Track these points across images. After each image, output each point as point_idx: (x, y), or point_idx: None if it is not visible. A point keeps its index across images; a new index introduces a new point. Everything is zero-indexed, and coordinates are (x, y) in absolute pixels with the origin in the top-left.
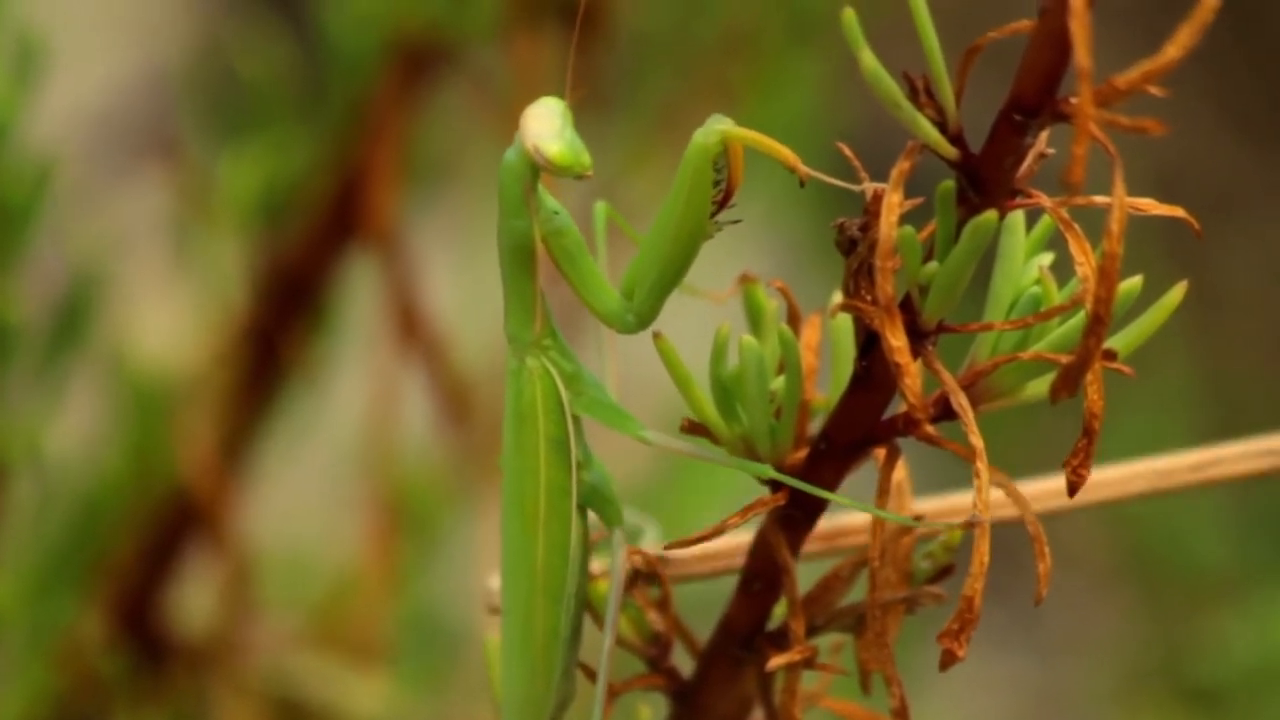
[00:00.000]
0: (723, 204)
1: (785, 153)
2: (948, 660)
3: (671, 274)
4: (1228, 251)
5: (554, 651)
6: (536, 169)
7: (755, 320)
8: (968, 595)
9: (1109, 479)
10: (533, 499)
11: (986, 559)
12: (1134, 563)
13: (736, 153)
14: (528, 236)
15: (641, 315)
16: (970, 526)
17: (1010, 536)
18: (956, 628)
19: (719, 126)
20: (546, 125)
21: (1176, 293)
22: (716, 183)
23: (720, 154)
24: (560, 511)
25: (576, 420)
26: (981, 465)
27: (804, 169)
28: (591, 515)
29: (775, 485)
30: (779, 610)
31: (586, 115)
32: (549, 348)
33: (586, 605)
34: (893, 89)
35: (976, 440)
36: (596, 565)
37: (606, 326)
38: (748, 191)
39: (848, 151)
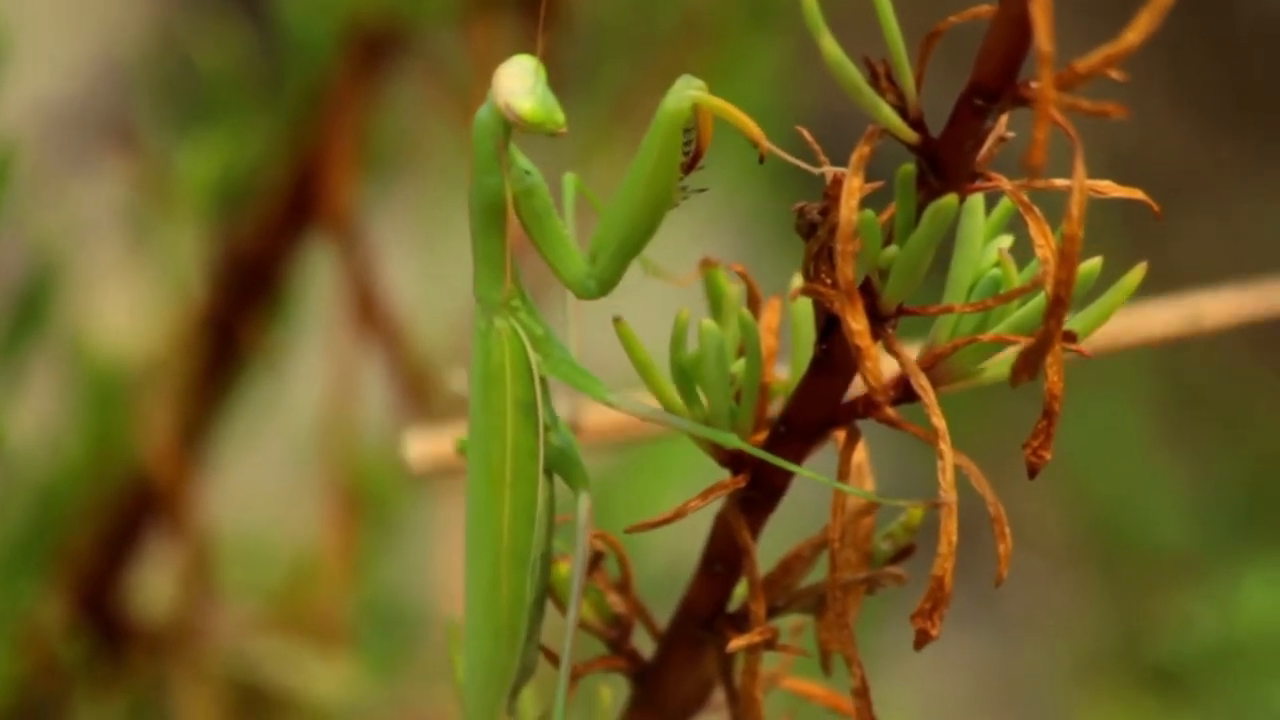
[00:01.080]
0: (690, 168)
1: (750, 126)
2: (921, 640)
3: (635, 240)
4: (1184, 234)
5: (519, 617)
6: (509, 127)
7: (716, 304)
8: (938, 575)
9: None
10: (499, 462)
11: (955, 538)
12: (1093, 543)
13: (706, 118)
14: (499, 195)
15: (604, 281)
16: (936, 506)
17: (969, 516)
18: (929, 607)
19: (690, 92)
20: (519, 82)
21: (1136, 274)
22: (685, 147)
23: (690, 119)
24: (527, 474)
25: (544, 383)
26: (944, 446)
27: (766, 144)
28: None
29: (736, 467)
30: (740, 592)
31: None
32: (518, 309)
33: (549, 590)
34: (853, 74)
35: (939, 421)
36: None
37: (569, 290)
38: (707, 175)
39: (808, 136)
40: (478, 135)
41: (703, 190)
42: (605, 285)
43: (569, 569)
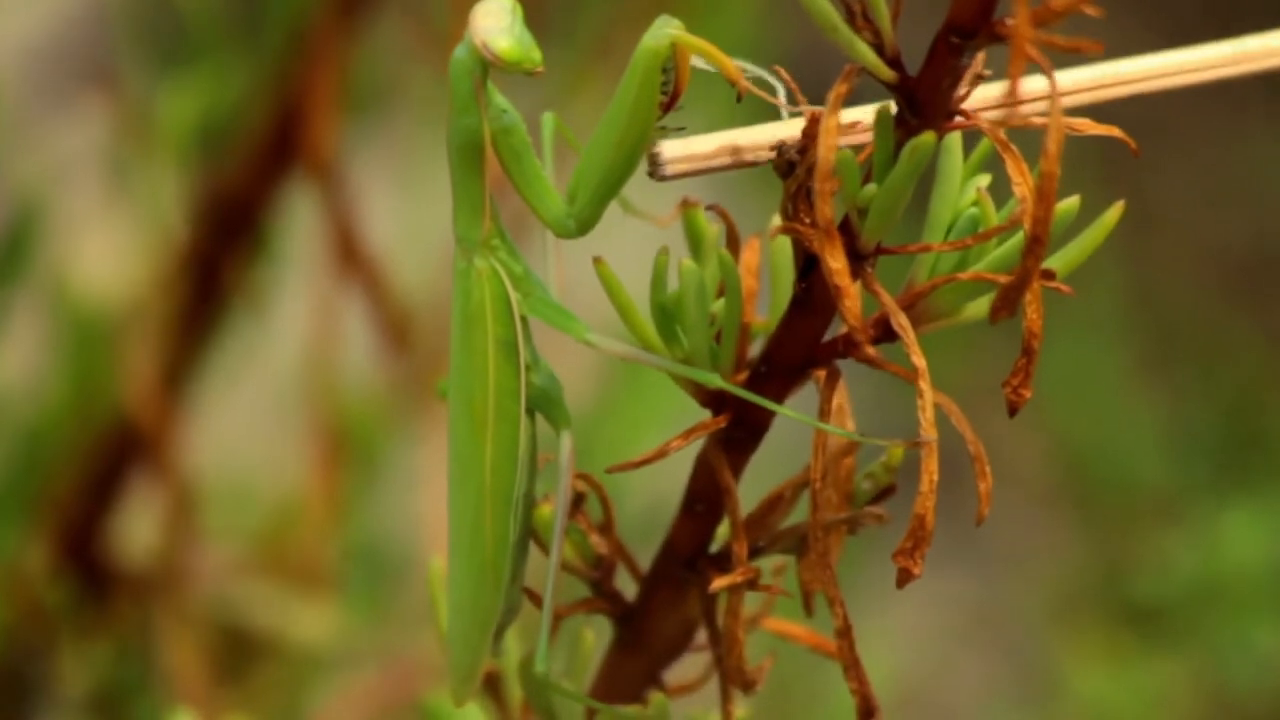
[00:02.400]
0: (668, 107)
1: (728, 64)
2: (904, 578)
3: (614, 178)
4: (1159, 173)
5: (503, 557)
6: (486, 66)
7: (696, 244)
8: (919, 513)
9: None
10: (481, 401)
11: (936, 477)
12: (1072, 481)
13: (684, 56)
14: (477, 134)
15: (583, 220)
16: (917, 445)
17: (949, 455)
18: (910, 546)
19: (668, 30)
20: (495, 20)
21: (1114, 212)
22: (664, 86)
23: (668, 57)
24: (509, 414)
25: (525, 322)
26: (924, 384)
27: (744, 83)
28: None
29: (717, 407)
30: (722, 532)
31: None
32: (497, 248)
33: (532, 530)
34: (829, 13)
35: (919, 360)
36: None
37: (548, 230)
38: (686, 114)
39: (785, 75)
40: (454, 74)
41: (680, 129)
42: (585, 224)
43: (551, 511)
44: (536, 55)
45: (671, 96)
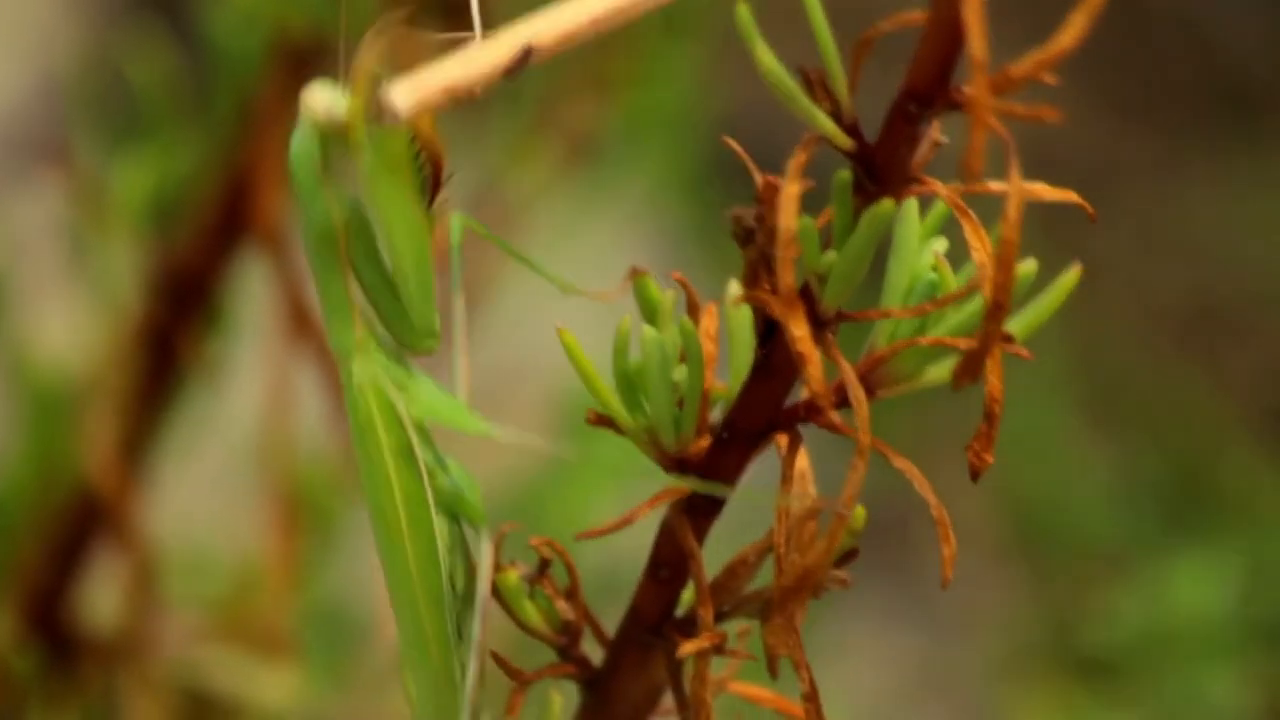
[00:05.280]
0: (436, 183)
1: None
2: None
3: (425, 274)
4: (1100, 228)
5: (449, 659)
6: (329, 150)
7: (651, 313)
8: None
9: None
10: (392, 510)
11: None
12: (1022, 536)
13: (425, 126)
14: (329, 226)
15: (428, 329)
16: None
17: (901, 515)
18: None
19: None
20: (328, 92)
21: (1071, 276)
22: (417, 164)
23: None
24: (421, 520)
25: (419, 425)
26: (859, 461)
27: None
28: None
29: (681, 473)
30: (687, 596)
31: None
32: (373, 351)
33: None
34: (789, 84)
35: (865, 437)
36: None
37: (404, 343)
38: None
39: (735, 145)
40: (295, 168)
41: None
42: (432, 334)
43: (516, 575)
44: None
45: (434, 168)
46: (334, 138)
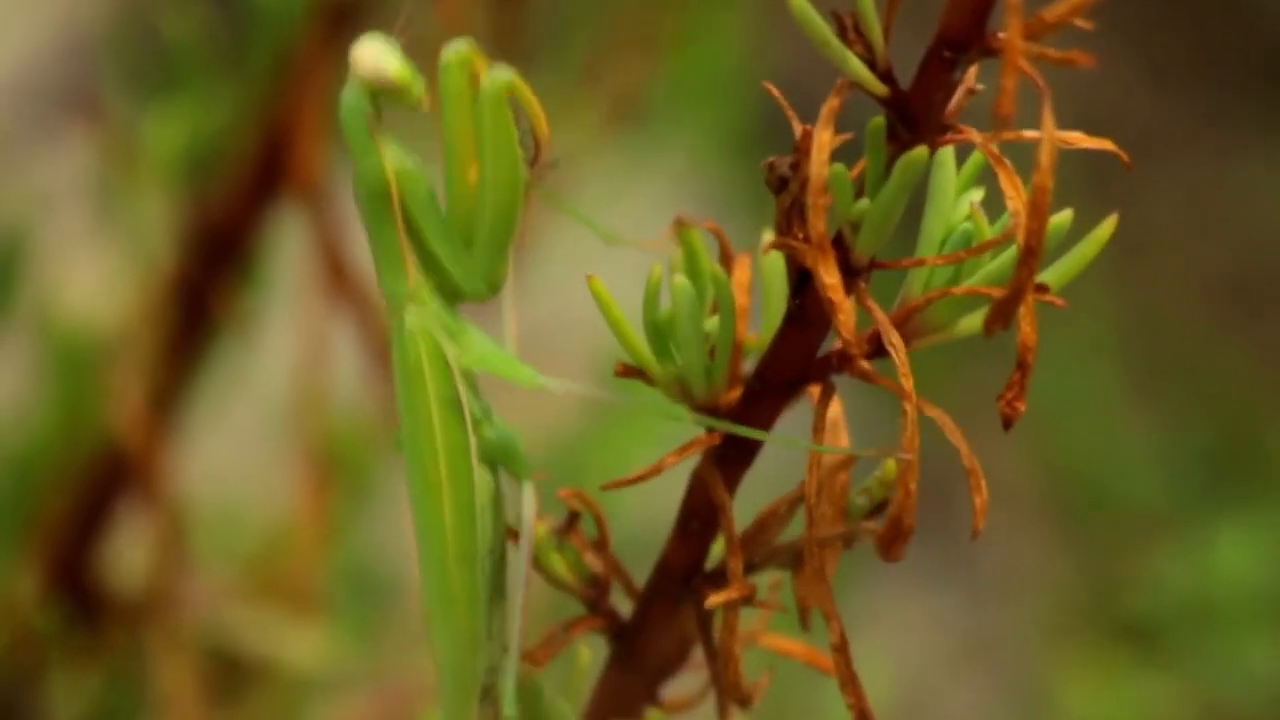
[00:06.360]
0: (535, 160)
1: (542, 122)
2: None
3: (504, 226)
4: (1150, 193)
5: (475, 616)
6: (378, 103)
7: (691, 262)
8: (895, 515)
9: None
10: (433, 462)
11: (914, 488)
12: (1066, 501)
13: (531, 103)
14: (382, 178)
15: (491, 277)
16: (903, 456)
17: (940, 476)
18: (891, 535)
19: (506, 74)
20: (378, 47)
21: (1107, 226)
22: (522, 140)
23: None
24: (462, 471)
25: (468, 375)
26: (909, 405)
27: (545, 147)
28: None
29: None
30: (717, 549)
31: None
32: (426, 301)
33: (503, 585)
34: (821, 27)
35: (908, 381)
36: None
37: (462, 289)
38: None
39: (776, 92)
40: (346, 119)
41: (554, 165)
42: (494, 283)
43: (544, 527)
44: (422, 86)
45: (536, 145)
46: (383, 91)
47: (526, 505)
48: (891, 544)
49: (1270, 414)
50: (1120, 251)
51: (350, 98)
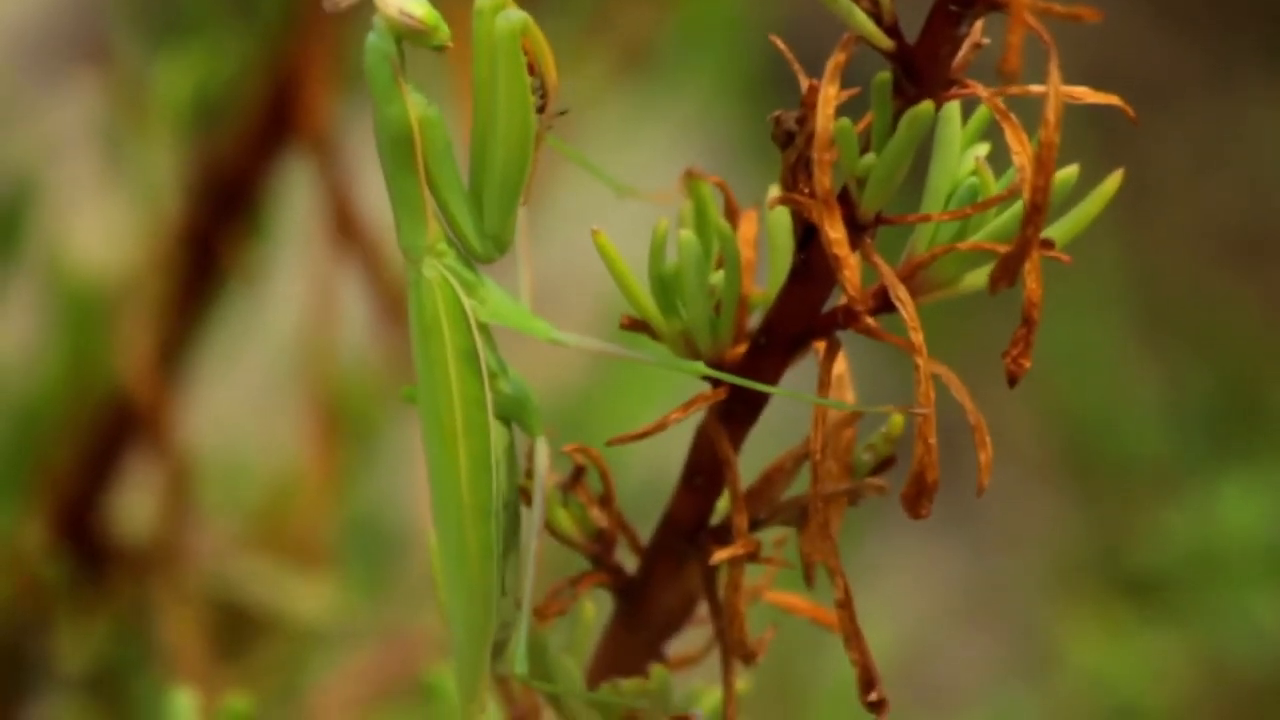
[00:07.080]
0: (544, 107)
1: (551, 71)
2: (914, 516)
3: (512, 182)
4: (1157, 144)
5: (489, 570)
6: (402, 49)
7: (700, 215)
8: (918, 470)
9: None
10: (448, 414)
11: (934, 441)
12: (1069, 454)
13: (543, 50)
14: (405, 124)
15: (498, 238)
16: (914, 413)
17: (946, 429)
18: (914, 492)
19: (518, 16)
20: None
21: (1113, 181)
22: (534, 88)
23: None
24: (478, 424)
25: (484, 328)
26: (921, 360)
27: (552, 99)
28: None
29: (716, 380)
30: (722, 505)
31: None
32: (445, 253)
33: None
34: None
35: (917, 335)
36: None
37: (469, 248)
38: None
39: (781, 45)
40: (371, 63)
41: (563, 113)
42: (501, 243)
43: (551, 484)
44: (446, 29)
45: (544, 92)
46: (409, 34)
47: (539, 460)
48: (917, 500)
49: (1277, 367)
50: (1125, 201)
51: (376, 41)
